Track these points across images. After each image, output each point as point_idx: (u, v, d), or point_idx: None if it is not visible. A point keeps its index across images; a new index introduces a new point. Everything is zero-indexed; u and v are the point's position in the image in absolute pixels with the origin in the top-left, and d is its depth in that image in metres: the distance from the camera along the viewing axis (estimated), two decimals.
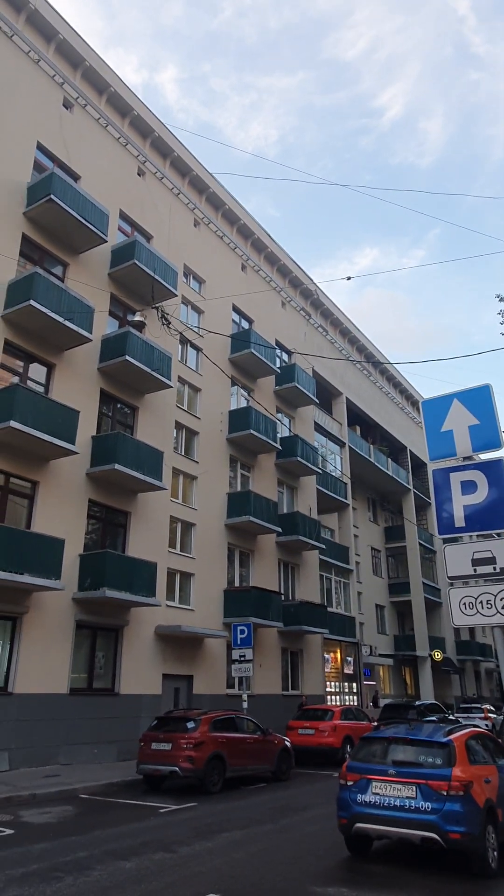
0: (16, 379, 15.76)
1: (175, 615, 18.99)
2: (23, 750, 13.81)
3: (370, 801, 7.19)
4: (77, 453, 15.91)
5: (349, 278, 16.99)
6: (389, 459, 38.99)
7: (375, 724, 17.23)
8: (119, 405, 19.00)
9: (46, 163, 17.87)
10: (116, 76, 20.63)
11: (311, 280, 31.35)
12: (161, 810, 10.35)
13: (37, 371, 16.58)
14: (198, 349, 22.83)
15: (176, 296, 20.61)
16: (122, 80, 20.93)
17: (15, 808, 10.15)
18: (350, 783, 7.46)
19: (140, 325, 17.50)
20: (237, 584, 22.46)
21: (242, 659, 17.43)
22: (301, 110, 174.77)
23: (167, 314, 17.56)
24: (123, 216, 20.53)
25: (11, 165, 16.59)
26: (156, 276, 19.17)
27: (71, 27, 19.00)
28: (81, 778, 12.63)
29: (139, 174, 21.53)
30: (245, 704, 17.00)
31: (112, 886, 6.24)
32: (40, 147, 17.73)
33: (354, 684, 30.05)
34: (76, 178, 18.62)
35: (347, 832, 7.45)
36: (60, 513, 15.98)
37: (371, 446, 36.70)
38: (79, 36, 19.28)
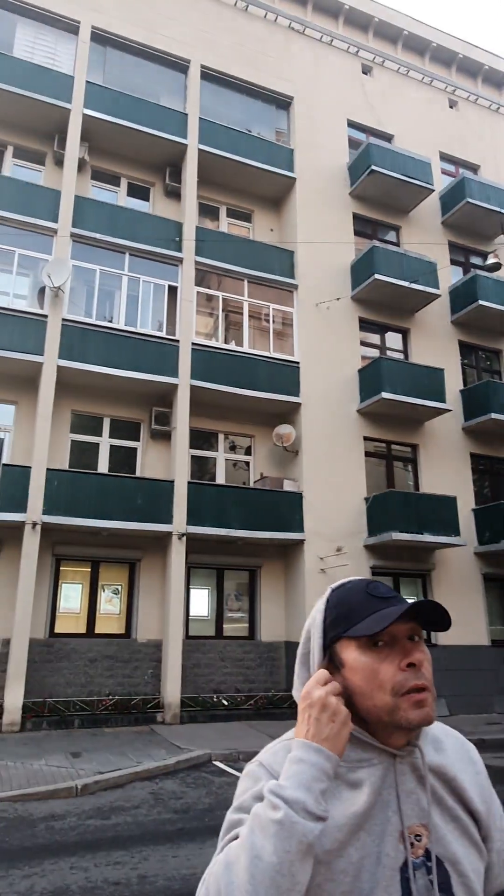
0: (375, 352, 16.51)
1: None
2: (458, 698, 14.44)
3: None
4: (450, 410, 15.86)
5: None
6: None
7: None
8: (481, 353, 18.26)
9: (359, 136, 18.16)
10: (407, 17, 19.73)
11: None
12: None
13: (393, 339, 17.06)
14: None
15: None
16: (413, 17, 19.95)
17: None
18: None
19: (495, 268, 16.36)
20: None
21: None
22: None
23: None
24: (445, 157, 19.56)
25: (331, 153, 17.35)
26: (493, 207, 17.81)
27: None
28: None
29: (451, 106, 20.23)
30: None
31: None
32: (350, 123, 18.10)
33: None
34: (389, 138, 18.48)
35: None
36: (444, 471, 16.16)
37: None
38: None
